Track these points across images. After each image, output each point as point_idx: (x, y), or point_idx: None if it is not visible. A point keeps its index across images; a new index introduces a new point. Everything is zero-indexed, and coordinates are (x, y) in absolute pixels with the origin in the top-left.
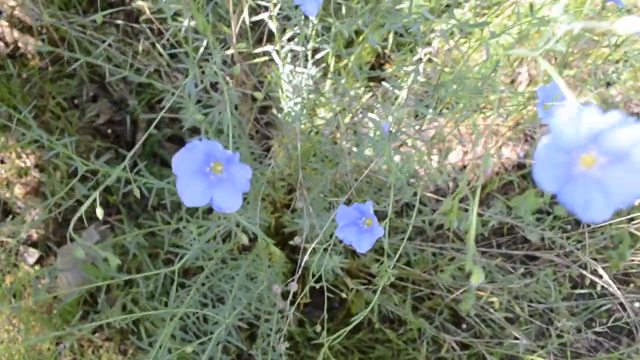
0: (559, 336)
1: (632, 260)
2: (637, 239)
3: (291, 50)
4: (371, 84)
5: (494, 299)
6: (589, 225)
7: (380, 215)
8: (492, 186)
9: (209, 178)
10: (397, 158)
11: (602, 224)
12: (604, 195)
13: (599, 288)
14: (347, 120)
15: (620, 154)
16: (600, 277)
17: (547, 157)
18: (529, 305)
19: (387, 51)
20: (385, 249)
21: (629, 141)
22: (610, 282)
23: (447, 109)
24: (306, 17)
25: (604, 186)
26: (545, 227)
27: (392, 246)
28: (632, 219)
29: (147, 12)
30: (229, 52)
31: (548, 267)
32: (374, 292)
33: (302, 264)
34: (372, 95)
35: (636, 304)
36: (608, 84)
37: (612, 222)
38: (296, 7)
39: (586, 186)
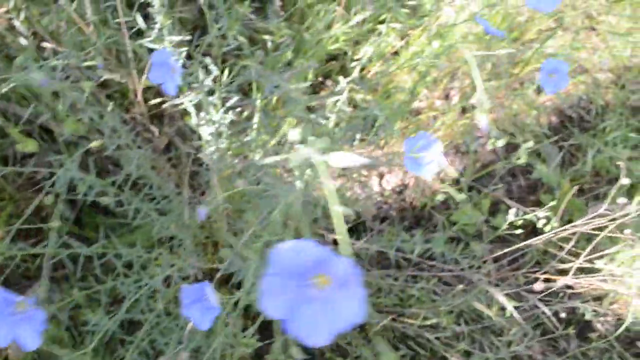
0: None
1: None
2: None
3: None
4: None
5: (432, 321)
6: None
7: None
8: (433, 203)
9: (13, 317)
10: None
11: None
12: (328, 319)
13: (507, 315)
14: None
15: (340, 282)
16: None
17: (271, 286)
18: (466, 323)
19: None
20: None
21: (344, 271)
22: (513, 311)
23: (376, 134)
24: (207, 70)
25: (328, 312)
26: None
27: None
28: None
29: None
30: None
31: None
32: None
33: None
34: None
35: (562, 314)
36: (539, 91)
37: (542, 236)
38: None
39: (311, 312)
